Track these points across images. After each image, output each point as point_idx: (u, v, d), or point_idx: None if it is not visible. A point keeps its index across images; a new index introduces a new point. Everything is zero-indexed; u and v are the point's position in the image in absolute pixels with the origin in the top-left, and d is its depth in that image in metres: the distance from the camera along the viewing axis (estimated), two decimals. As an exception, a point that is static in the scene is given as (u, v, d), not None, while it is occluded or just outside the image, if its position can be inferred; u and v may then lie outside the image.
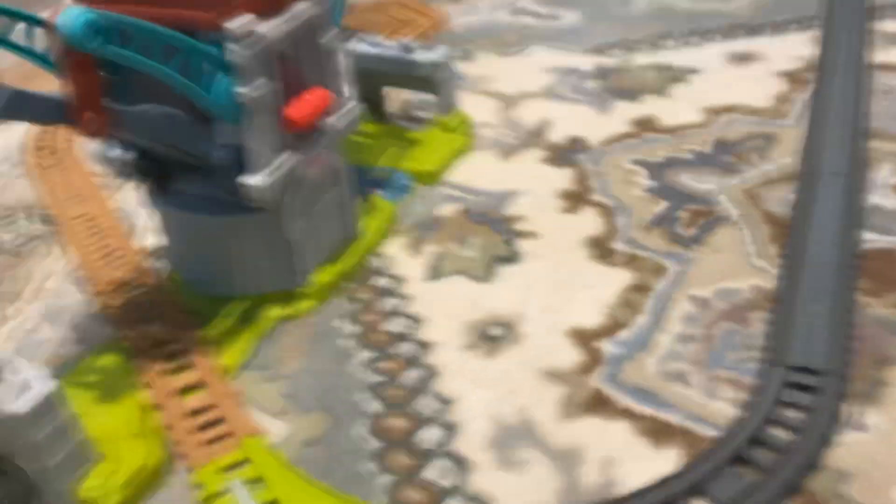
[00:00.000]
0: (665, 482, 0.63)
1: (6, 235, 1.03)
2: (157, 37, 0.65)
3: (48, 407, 0.63)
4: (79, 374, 0.79)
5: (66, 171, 1.14)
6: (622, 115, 1.16)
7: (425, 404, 0.75)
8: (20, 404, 0.61)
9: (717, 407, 0.70)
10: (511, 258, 0.91)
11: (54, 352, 0.85)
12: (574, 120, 1.16)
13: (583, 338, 0.79)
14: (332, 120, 0.81)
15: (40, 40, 0.68)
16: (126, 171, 0.80)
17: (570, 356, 0.77)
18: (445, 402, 0.74)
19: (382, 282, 0.89)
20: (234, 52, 0.68)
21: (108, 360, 0.80)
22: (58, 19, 0.63)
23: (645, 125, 1.13)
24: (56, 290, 0.93)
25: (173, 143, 0.76)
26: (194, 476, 0.69)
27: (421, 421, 0.73)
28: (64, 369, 0.79)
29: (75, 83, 0.67)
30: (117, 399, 0.76)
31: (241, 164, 0.74)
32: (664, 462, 0.66)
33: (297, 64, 0.76)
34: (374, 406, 0.75)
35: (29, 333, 0.88)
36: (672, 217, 0.94)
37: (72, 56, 0.65)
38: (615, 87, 1.24)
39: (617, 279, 0.86)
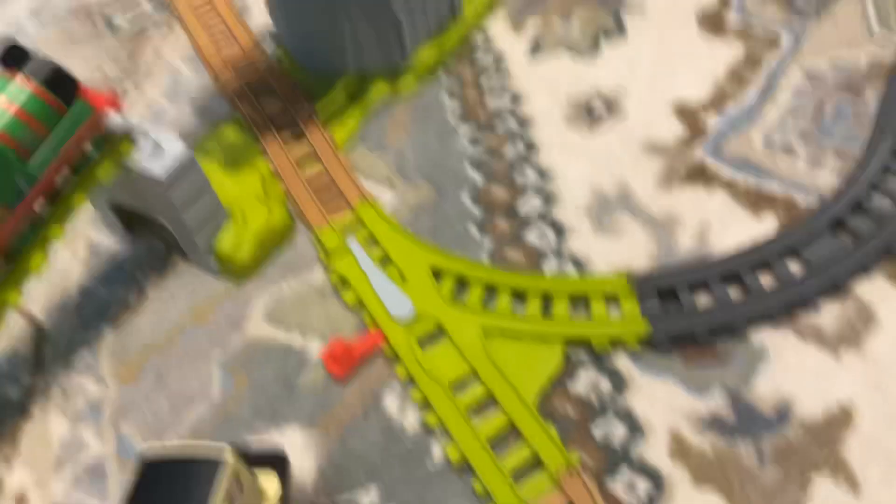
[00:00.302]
0: (761, 245, 0.65)
1: (126, 18, 1.07)
2: None
3: (184, 170, 0.69)
4: (203, 144, 0.85)
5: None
6: None
7: (526, 176, 0.77)
8: (159, 167, 0.68)
9: (821, 176, 0.70)
10: (617, 33, 0.88)
11: (175, 127, 0.91)
12: None
13: (687, 111, 0.78)
14: None
15: None
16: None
17: (672, 129, 0.77)
18: (545, 174, 0.77)
19: (485, 58, 0.90)
20: None
21: (228, 133, 0.86)
22: None
23: None
24: (174, 70, 0.98)
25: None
26: (314, 235, 0.75)
27: (521, 191, 0.76)
28: (187, 142, 0.85)
29: None
30: (240, 167, 0.82)
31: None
32: (762, 228, 0.68)
33: None
34: (477, 178, 0.78)
35: (151, 110, 0.94)
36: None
37: None
38: None
39: (728, 52, 0.83)
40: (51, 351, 0.73)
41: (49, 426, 0.68)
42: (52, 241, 0.65)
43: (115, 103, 0.67)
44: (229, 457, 0.47)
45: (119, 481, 0.63)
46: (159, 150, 0.68)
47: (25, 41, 1.03)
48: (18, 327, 0.75)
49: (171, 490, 0.47)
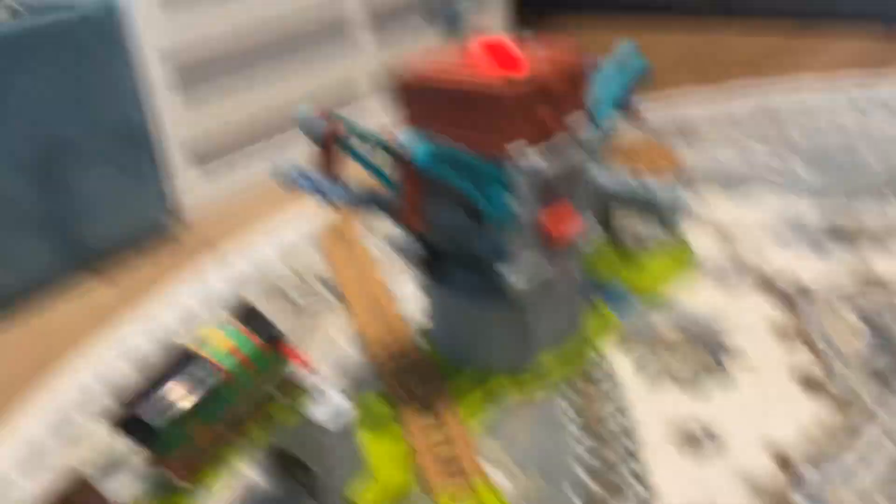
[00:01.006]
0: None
1: (307, 300, 1.29)
2: (469, 164, 0.87)
3: (351, 427, 0.83)
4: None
5: (352, 252, 1.41)
6: (842, 261, 1.22)
7: (633, 493, 0.86)
8: (332, 421, 0.82)
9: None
10: (719, 375, 1.01)
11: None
12: (793, 261, 1.24)
13: (785, 459, 0.87)
14: (579, 238, 0.99)
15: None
16: (413, 258, 1.02)
17: (770, 472, 0.86)
18: (651, 491, 0.86)
19: (600, 376, 1.03)
20: (513, 177, 0.88)
21: (376, 405, 1.01)
22: (409, 148, 0.87)
23: (867, 277, 1.19)
24: (339, 346, 1.17)
25: (457, 239, 0.97)
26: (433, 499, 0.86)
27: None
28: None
29: (409, 193, 0.90)
30: (383, 434, 0.95)
31: (501, 258, 0.92)
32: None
33: (557, 187, 0.95)
34: (588, 481, 0.88)
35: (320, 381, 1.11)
36: (891, 369, 0.99)
37: (408, 172, 0.89)
38: (839, 231, 1.30)
39: (823, 411, 0.93)
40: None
41: None
42: (228, 466, 0.78)
43: (302, 363, 0.83)
44: None
45: None
46: (331, 405, 0.83)
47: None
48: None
49: None
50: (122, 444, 1.00)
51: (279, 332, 0.81)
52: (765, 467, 0.87)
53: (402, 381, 1.04)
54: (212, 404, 0.74)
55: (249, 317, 0.80)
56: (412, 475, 0.89)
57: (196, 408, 0.72)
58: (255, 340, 0.78)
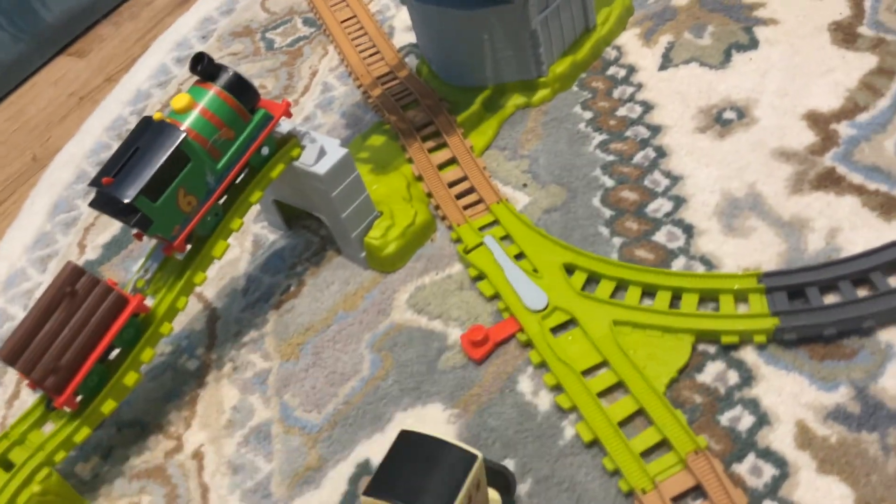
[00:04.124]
0: (889, 246, 0.66)
1: (281, 37, 1.18)
2: None
3: (343, 169, 0.77)
4: (352, 150, 0.94)
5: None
6: None
7: (655, 180, 0.81)
8: (322, 167, 0.76)
9: (957, 183, 0.71)
10: (748, 45, 0.91)
11: (328, 135, 1.00)
12: None
13: (818, 120, 0.80)
14: None
15: None
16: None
17: (803, 137, 0.79)
18: (675, 178, 0.81)
19: (617, 71, 0.94)
20: None
21: (375, 140, 0.94)
22: None
23: None
24: (327, 85, 1.08)
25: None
26: (454, 233, 0.82)
27: (651, 194, 0.80)
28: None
29: None
30: (387, 170, 0.90)
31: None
32: (892, 232, 0.69)
33: None
34: (607, 181, 0.83)
35: (306, 119, 1.04)
36: (932, -3, 0.88)
37: None
38: None
39: (860, 63, 0.84)
40: (222, 329, 0.82)
41: (222, 394, 0.77)
42: (232, 231, 0.75)
43: (288, 112, 0.76)
44: (480, 455, 0.52)
45: (283, 441, 0.71)
46: (322, 153, 0.77)
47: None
48: (195, 309, 0.85)
49: (428, 464, 0.51)
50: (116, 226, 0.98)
51: (248, 83, 0.72)
52: (798, 133, 0.80)
53: (401, 111, 0.96)
54: (183, 166, 0.68)
55: (209, 71, 0.72)
56: (427, 210, 0.84)
57: (162, 173, 0.67)
58: (224, 96, 0.71)
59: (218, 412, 0.76)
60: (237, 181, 0.75)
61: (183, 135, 0.68)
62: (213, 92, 0.70)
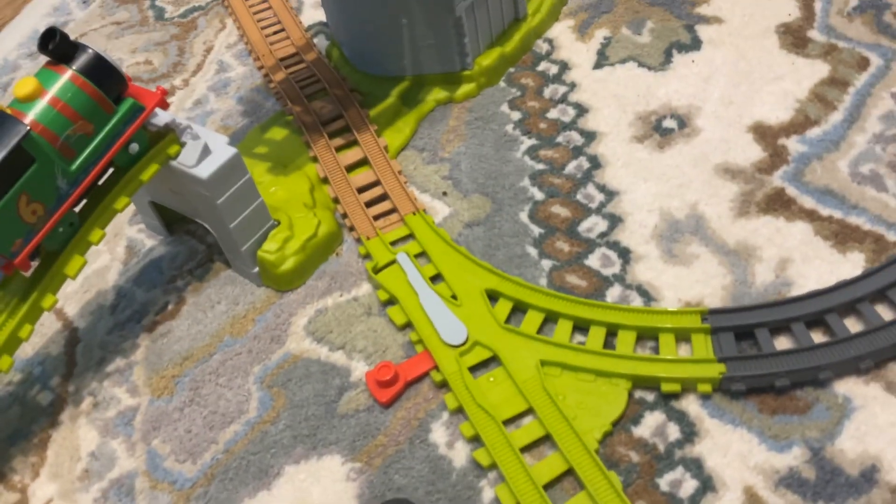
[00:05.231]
0: (847, 284, 0.60)
1: (176, 8, 1.04)
2: None
3: (231, 172, 0.65)
4: (250, 145, 0.82)
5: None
6: None
7: (589, 195, 0.73)
8: (205, 168, 0.64)
9: (915, 214, 0.65)
10: (690, 45, 0.83)
11: (221, 123, 0.87)
12: None
13: (766, 134, 0.73)
14: None
15: None
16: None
17: (750, 152, 0.72)
18: (610, 193, 0.72)
19: (548, 67, 0.85)
20: None
21: (276, 133, 0.83)
22: None
23: None
24: (224, 65, 0.95)
25: None
26: (363, 247, 0.72)
27: (584, 210, 0.71)
28: (233, 140, 0.82)
29: None
30: (288, 170, 0.78)
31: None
32: (847, 266, 0.62)
33: None
34: (537, 193, 0.74)
35: (196, 104, 0.90)
36: (881, 4, 0.82)
37: None
38: None
39: (810, 71, 0.77)
40: (83, 355, 0.70)
41: (78, 435, 0.65)
42: (91, 244, 0.62)
43: (163, 103, 0.63)
44: None
45: (148, 499, 0.60)
46: (206, 152, 0.65)
47: (73, 28, 1.01)
48: (52, 329, 0.72)
49: None
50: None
51: (112, 66, 0.60)
52: (744, 147, 0.73)
53: (306, 101, 0.84)
54: (26, 167, 0.55)
55: (64, 50, 0.58)
56: (332, 219, 0.73)
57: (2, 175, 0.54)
58: (79, 82, 0.58)
59: (72, 459, 0.63)
60: (99, 183, 0.62)
61: (26, 129, 0.55)
62: (66, 77, 0.57)
